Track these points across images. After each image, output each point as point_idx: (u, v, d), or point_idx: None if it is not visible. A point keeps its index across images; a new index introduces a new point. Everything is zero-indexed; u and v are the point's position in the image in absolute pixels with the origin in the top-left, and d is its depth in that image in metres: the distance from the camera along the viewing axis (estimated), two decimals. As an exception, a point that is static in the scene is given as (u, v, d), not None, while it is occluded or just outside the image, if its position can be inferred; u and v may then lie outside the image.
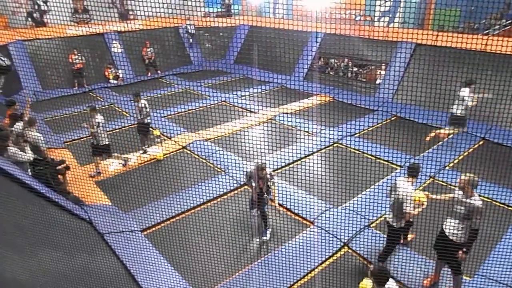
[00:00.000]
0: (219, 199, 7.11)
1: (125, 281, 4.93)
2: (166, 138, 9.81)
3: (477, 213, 4.29)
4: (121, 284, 4.94)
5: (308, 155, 8.74)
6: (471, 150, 8.93)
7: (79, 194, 6.93)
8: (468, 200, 4.35)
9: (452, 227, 4.51)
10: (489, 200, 6.61)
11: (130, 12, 16.92)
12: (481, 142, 9.27)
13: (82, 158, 8.58)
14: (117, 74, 15.13)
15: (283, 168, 8.16)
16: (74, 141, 9.63)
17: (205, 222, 6.49)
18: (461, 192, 4.45)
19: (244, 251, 5.75)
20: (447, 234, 4.55)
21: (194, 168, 8.31)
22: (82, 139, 9.77)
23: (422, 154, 8.57)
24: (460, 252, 4.50)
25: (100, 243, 5.56)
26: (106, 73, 15.01)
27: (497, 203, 6.68)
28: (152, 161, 8.64)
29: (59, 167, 6.82)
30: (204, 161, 8.62)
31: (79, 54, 14.12)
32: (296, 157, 8.50)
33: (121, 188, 7.58)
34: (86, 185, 7.35)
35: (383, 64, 12.96)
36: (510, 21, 11.79)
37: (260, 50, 15.86)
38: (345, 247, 5.78)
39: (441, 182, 7.47)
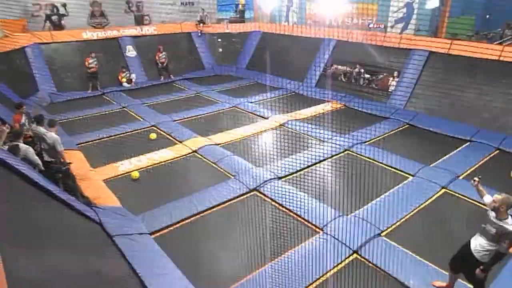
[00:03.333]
0: (228, 203, 7.11)
1: (133, 284, 4.95)
2: (177, 142, 9.86)
3: (506, 237, 4.10)
4: (129, 287, 4.95)
5: (319, 162, 8.68)
6: (485, 160, 8.76)
7: (89, 195, 7.01)
8: (500, 222, 4.16)
9: (479, 245, 4.37)
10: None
11: (146, 17, 17.17)
12: (496, 152, 9.10)
13: (94, 160, 8.67)
14: (130, 77, 15.31)
15: (294, 175, 8.13)
16: (87, 143, 9.75)
17: (214, 226, 6.49)
18: (493, 213, 4.28)
19: (252, 256, 5.72)
20: (472, 249, 4.42)
21: (204, 172, 8.33)
22: (95, 141, 9.90)
23: (434, 163, 8.45)
24: (478, 270, 4.35)
25: (109, 245, 5.59)
26: (120, 77, 15.21)
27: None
28: (162, 164, 8.69)
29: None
30: (214, 165, 8.64)
31: (95, 58, 14.23)
32: (307, 163, 8.45)
33: (132, 190, 7.64)
34: (97, 186, 7.43)
35: (396, 72, 12.86)
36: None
37: (272, 56, 15.89)
38: (355, 254, 5.72)
39: (453, 193, 7.35)
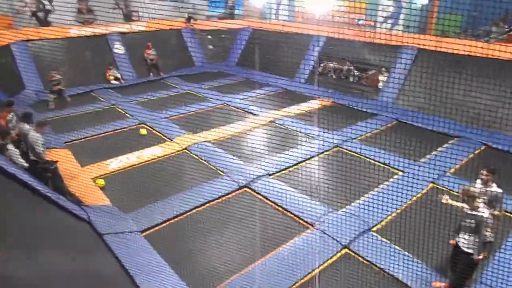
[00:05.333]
0: (219, 201, 7.10)
1: (124, 282, 4.91)
2: (167, 139, 9.80)
3: (484, 224, 4.21)
4: (120, 285, 4.92)
5: (309, 158, 8.72)
6: (472, 156, 8.89)
7: (78, 194, 6.93)
8: (474, 212, 4.28)
9: (466, 241, 4.43)
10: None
11: (134, 14, 16.98)
12: (483, 148, 9.24)
13: (83, 158, 8.57)
14: (117, 76, 15.09)
15: (284, 171, 8.15)
16: (75, 141, 9.63)
17: (204, 224, 6.48)
18: (467, 206, 4.38)
19: (243, 253, 5.73)
20: (463, 247, 4.48)
21: (195, 170, 8.30)
22: (83, 139, 9.79)
23: (423, 159, 8.55)
24: (482, 254, 4.44)
25: (99, 244, 5.54)
26: (107, 74, 15.02)
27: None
28: (152, 161, 8.64)
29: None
30: (205, 162, 8.61)
31: (59, 75, 12.17)
32: (297, 160, 8.48)
33: (121, 188, 7.58)
34: (86, 184, 7.35)
35: (385, 69, 12.96)
36: (511, 28, 11.82)
37: (262, 53, 15.86)
38: (345, 249, 5.77)
39: (441, 187, 7.45)
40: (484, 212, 4.25)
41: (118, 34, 16.04)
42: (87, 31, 15.28)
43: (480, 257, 4.39)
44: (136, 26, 16.55)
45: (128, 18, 16.80)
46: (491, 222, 4.27)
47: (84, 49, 14.51)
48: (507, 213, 6.49)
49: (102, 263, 5.21)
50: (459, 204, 4.63)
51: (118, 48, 15.89)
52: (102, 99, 13.21)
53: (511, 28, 11.81)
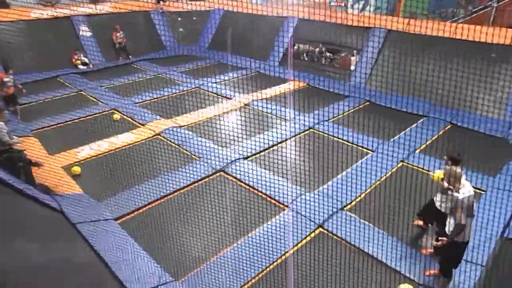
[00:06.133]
0: (193, 186, 7.09)
1: (100, 271, 4.87)
2: (139, 125, 9.61)
3: (457, 205, 4.17)
4: (95, 274, 4.87)
5: (283, 141, 8.80)
6: (439, 134, 9.24)
7: (49, 183, 6.73)
8: (453, 193, 4.29)
9: (451, 225, 4.44)
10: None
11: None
12: (449, 126, 9.60)
13: (51, 146, 8.30)
14: (84, 61, 14.51)
15: (259, 154, 8.20)
16: (43, 129, 9.29)
17: (180, 209, 6.47)
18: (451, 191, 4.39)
19: (219, 237, 5.79)
20: (446, 231, 4.50)
21: (169, 155, 8.22)
22: (51, 127, 9.45)
23: (393, 139, 8.80)
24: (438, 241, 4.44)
25: (73, 233, 5.44)
26: (73, 59, 14.42)
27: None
28: (124, 148, 8.47)
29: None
30: (178, 147, 8.53)
31: (11, 76, 9.59)
32: (272, 142, 8.55)
33: (94, 176, 7.42)
34: (56, 173, 7.14)
35: (356, 50, 13.10)
36: (475, 10, 12.18)
37: (235, 35, 15.66)
38: (320, 228, 5.93)
39: (411, 166, 7.73)
40: (461, 193, 4.17)
41: (84, 16, 15.37)
42: (49, 13, 14.54)
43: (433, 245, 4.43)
44: (103, 8, 15.87)
45: (94, -1, 16.09)
46: (463, 206, 4.13)
47: (47, 32, 13.81)
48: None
49: (77, 252, 5.12)
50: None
51: (85, 31, 15.25)
52: (69, 85, 12.73)
53: (476, 9, 12.17)
